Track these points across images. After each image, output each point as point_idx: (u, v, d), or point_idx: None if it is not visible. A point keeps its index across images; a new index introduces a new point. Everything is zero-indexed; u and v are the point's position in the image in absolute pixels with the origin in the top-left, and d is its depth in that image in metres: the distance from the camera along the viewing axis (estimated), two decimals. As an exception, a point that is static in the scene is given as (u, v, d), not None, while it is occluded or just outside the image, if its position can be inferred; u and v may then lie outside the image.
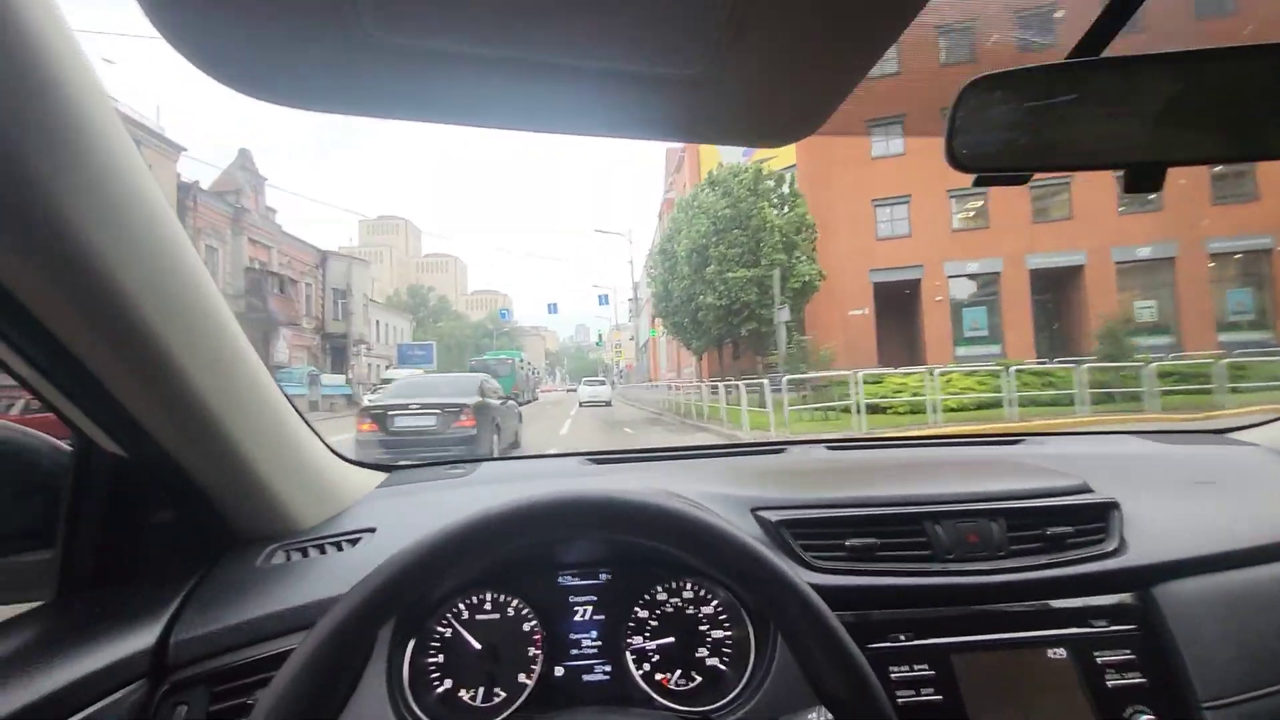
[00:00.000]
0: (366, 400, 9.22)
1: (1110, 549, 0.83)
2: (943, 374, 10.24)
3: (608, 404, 20.62)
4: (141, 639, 0.66)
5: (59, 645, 0.60)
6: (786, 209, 17.98)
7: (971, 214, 19.67)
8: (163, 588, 0.72)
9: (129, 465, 0.68)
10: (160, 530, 0.74)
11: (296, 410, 0.84)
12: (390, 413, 6.56)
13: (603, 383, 23.67)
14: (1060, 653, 0.75)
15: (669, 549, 0.52)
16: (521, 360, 29.65)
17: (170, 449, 0.67)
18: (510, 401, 8.68)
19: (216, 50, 0.39)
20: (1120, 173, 0.60)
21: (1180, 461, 1.17)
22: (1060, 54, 0.55)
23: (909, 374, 11.34)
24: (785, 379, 9.79)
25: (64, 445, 0.68)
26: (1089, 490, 0.89)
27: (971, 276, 19.59)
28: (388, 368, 30.72)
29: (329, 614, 0.46)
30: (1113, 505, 0.87)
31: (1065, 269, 18.78)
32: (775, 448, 1.29)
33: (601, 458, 1.19)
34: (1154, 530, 0.87)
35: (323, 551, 0.82)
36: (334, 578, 0.76)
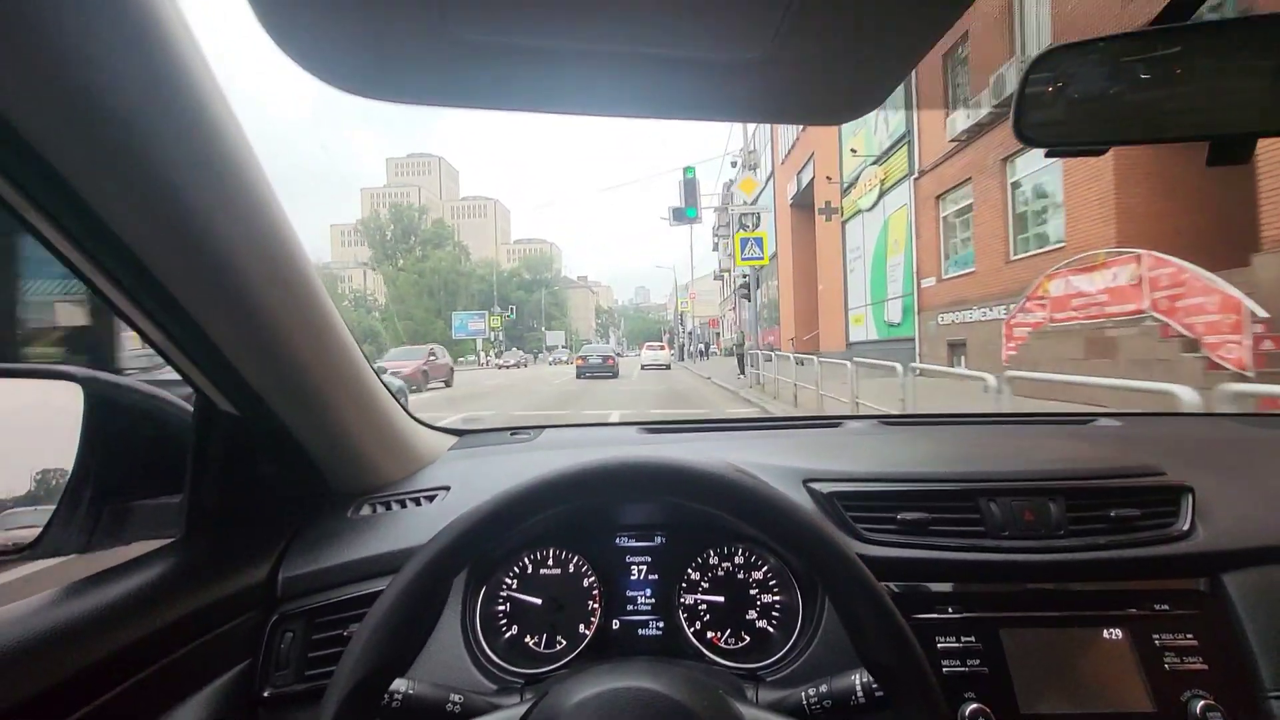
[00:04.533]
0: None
1: (1179, 533, 0.81)
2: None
3: (667, 367, 24.88)
4: (255, 574, 0.76)
5: (190, 576, 0.70)
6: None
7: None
8: (271, 532, 0.82)
9: (241, 424, 0.77)
10: (268, 482, 0.84)
11: (379, 377, 0.92)
12: (587, 357, 20.84)
13: (662, 348, 28.30)
14: (1116, 633, 0.75)
15: (722, 513, 0.54)
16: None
17: (276, 410, 0.75)
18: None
19: (320, 53, 0.43)
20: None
21: (1269, 446, 1.11)
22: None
23: None
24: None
25: (188, 405, 0.78)
26: (1160, 473, 0.87)
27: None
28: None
29: (412, 560, 0.51)
30: (1185, 489, 0.85)
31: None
32: (830, 422, 1.29)
33: (656, 427, 1.24)
34: (1230, 516, 0.84)
35: (404, 506, 0.90)
36: (415, 529, 0.84)
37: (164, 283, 0.59)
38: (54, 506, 0.68)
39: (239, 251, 0.60)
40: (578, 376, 19.55)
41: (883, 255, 15.28)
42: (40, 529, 0.68)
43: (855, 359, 6.68)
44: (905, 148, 14.27)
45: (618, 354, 25.05)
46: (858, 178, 16.83)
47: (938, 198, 13.07)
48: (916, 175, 13.81)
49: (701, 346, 33.38)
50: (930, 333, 12.96)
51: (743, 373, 13.47)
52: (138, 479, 0.74)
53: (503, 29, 0.42)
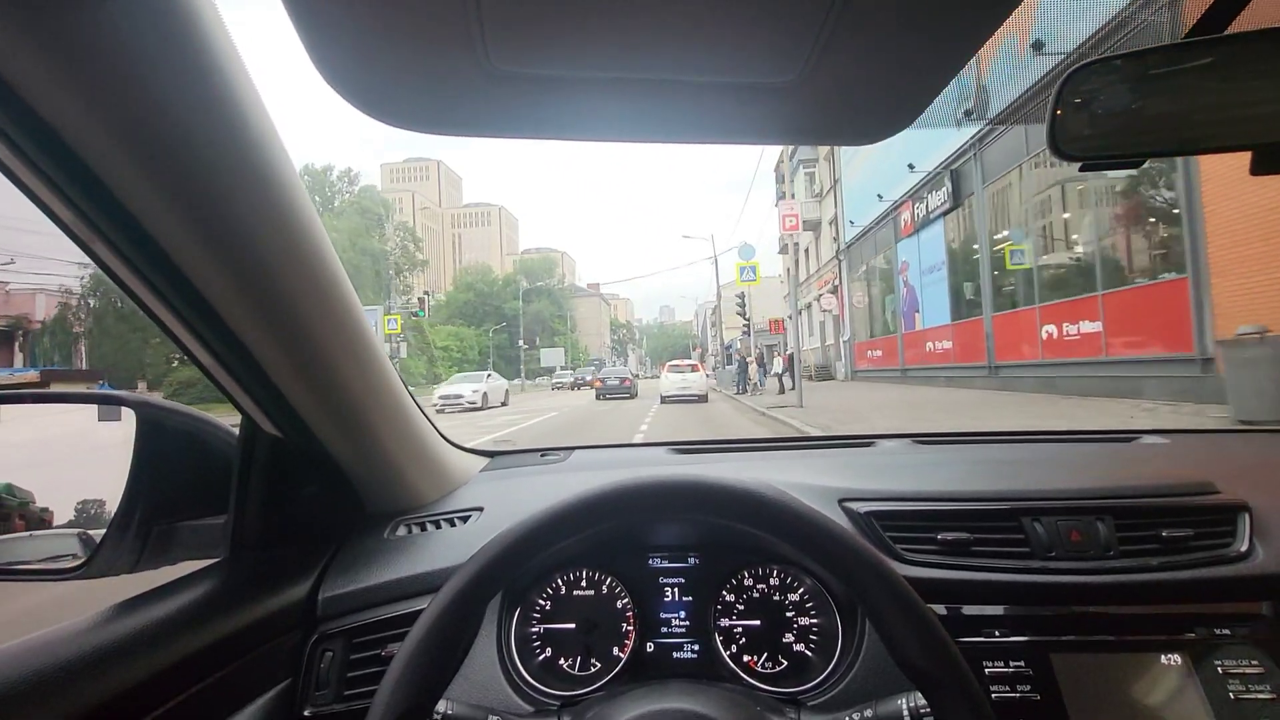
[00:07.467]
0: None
1: (1237, 554, 0.78)
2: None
3: (702, 398, 16.65)
4: (296, 594, 0.77)
5: (234, 595, 0.71)
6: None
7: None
8: (310, 552, 0.83)
9: (284, 446, 0.79)
10: (308, 503, 0.85)
11: (414, 400, 0.94)
12: (605, 379, 22.30)
13: (694, 368, 18.15)
14: (1175, 658, 0.72)
15: (755, 530, 0.54)
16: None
17: (318, 432, 0.77)
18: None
19: (367, 89, 0.45)
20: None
21: None
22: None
23: None
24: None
25: (233, 429, 0.80)
26: (1213, 491, 0.84)
27: None
28: None
29: (451, 580, 0.52)
30: (1241, 508, 0.81)
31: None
32: (862, 442, 1.28)
33: (686, 447, 1.23)
34: None
35: (438, 526, 0.91)
36: (450, 550, 0.85)
37: (214, 305, 0.61)
38: (98, 529, 0.71)
39: (286, 275, 0.63)
40: (597, 398, 21.06)
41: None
42: (82, 556, 0.70)
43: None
44: None
45: (635, 375, 26.11)
46: None
47: None
48: None
49: (776, 367, 18.33)
50: None
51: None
52: (185, 501, 0.76)
53: (542, 62, 0.43)
